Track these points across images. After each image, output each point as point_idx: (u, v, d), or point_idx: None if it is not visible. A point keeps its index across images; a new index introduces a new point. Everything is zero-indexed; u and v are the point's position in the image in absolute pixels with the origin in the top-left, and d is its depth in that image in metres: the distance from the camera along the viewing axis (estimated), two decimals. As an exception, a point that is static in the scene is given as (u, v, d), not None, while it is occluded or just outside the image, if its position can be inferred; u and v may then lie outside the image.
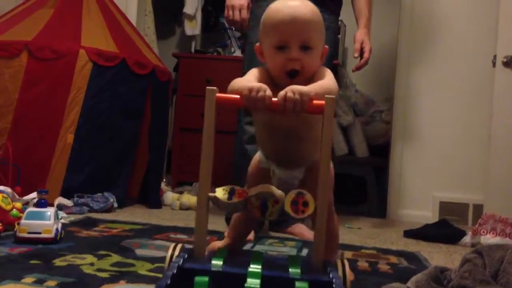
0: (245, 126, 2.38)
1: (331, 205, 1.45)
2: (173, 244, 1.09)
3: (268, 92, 1.10)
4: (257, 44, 1.37)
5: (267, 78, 1.32)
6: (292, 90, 1.09)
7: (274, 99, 1.10)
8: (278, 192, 1.07)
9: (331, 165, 1.40)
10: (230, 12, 2.32)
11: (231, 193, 1.08)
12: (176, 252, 1.06)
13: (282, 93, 1.10)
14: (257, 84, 1.12)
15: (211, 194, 1.08)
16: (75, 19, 2.90)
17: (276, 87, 1.24)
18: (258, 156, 1.42)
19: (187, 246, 1.11)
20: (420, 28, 3.53)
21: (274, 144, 1.34)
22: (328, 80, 1.27)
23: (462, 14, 3.46)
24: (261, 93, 1.10)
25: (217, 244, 1.57)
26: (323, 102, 1.09)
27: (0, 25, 2.88)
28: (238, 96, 1.12)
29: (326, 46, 1.36)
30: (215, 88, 1.09)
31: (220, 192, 1.09)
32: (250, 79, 1.28)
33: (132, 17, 3.64)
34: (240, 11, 2.30)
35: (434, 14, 3.51)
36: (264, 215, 1.07)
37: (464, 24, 3.46)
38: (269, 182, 1.32)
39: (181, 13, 4.48)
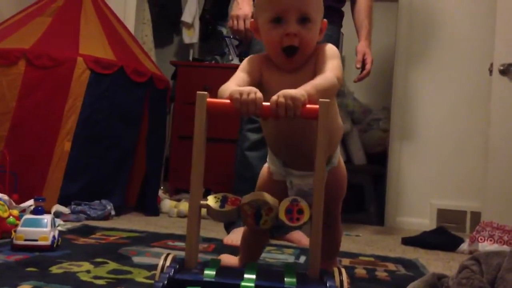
0: (246, 133, 2.37)
1: (338, 216, 1.42)
2: (164, 254, 1.05)
3: (259, 94, 1.04)
4: (252, 19, 1.29)
5: (264, 62, 1.24)
6: (284, 95, 1.03)
7: (266, 103, 1.04)
8: (272, 200, 1.04)
9: (345, 173, 1.38)
10: (235, 22, 2.35)
11: (223, 201, 1.05)
12: (168, 263, 1.01)
13: (274, 98, 1.04)
14: (247, 88, 1.05)
15: (202, 202, 1.04)
16: (73, 27, 2.91)
17: (276, 70, 1.20)
18: (267, 168, 1.35)
19: (180, 256, 1.06)
20: (417, 37, 3.55)
21: (287, 146, 1.27)
22: (327, 74, 1.16)
23: (459, 23, 3.48)
24: (251, 96, 1.03)
25: (229, 261, 1.53)
26: (316, 107, 1.03)
27: (-2, 32, 2.89)
28: (229, 101, 1.06)
29: (325, 20, 1.27)
30: (205, 92, 1.05)
31: (212, 200, 1.05)
32: (239, 79, 1.20)
33: (130, 25, 3.65)
34: (244, 21, 2.32)
35: (431, 23, 3.53)
36: (258, 223, 1.03)
37: (461, 33, 3.47)
38: (285, 195, 1.23)
39: (179, 22, 4.50)
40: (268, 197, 1.04)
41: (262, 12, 1.21)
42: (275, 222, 1.04)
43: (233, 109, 1.05)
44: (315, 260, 1.01)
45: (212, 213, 1.05)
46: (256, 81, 1.21)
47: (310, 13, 1.19)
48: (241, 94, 1.04)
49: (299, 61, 1.22)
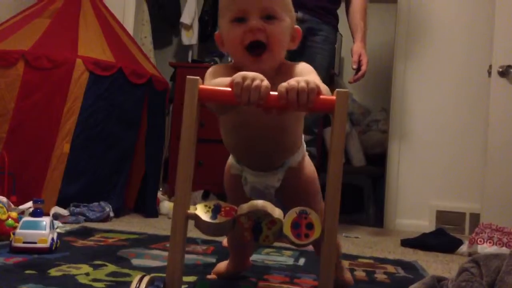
0: None
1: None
2: (138, 276, 0.87)
3: (266, 82, 0.89)
4: (216, 32, 1.17)
5: (231, 72, 1.03)
6: (296, 79, 0.89)
7: (274, 93, 0.89)
8: (276, 212, 0.87)
9: (310, 168, 1.25)
10: None
11: (215, 211, 0.87)
12: (142, 287, 0.84)
13: (283, 84, 0.89)
14: (252, 73, 0.90)
15: (190, 212, 0.87)
16: (72, 29, 2.91)
17: None
18: (229, 160, 1.26)
19: (160, 276, 0.91)
20: (416, 38, 3.55)
21: (244, 145, 1.17)
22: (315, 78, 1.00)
23: (457, 25, 3.48)
24: (256, 82, 0.88)
25: (222, 267, 1.48)
26: (333, 97, 0.87)
27: (-3, 34, 2.88)
28: (228, 89, 0.89)
29: (298, 27, 1.16)
30: (197, 77, 0.90)
31: (202, 209, 0.88)
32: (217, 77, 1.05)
33: (129, 26, 3.65)
34: None
35: (430, 25, 3.53)
36: (258, 239, 0.87)
37: (460, 34, 3.48)
38: (242, 191, 1.19)
39: (178, 23, 4.50)
40: (270, 207, 0.87)
41: (223, 14, 1.11)
42: (279, 238, 0.88)
43: (232, 98, 0.89)
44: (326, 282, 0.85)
45: (201, 226, 0.87)
46: None
47: (275, 9, 1.07)
48: (244, 78, 0.89)
49: (268, 62, 1.08)
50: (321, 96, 0.88)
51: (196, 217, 0.87)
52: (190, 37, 4.48)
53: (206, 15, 4.54)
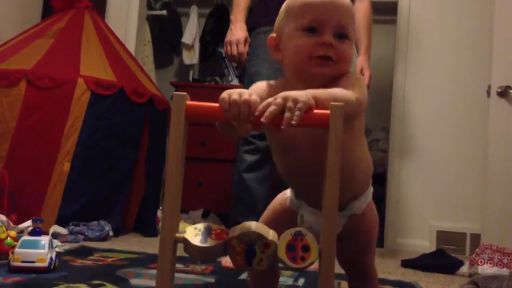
0: (243, 154, 2.38)
1: (371, 265, 1.14)
2: None
3: (254, 96, 0.84)
4: (272, 35, 1.10)
5: (274, 89, 1.03)
6: (285, 96, 0.84)
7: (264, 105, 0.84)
8: (270, 233, 0.82)
9: (375, 218, 1.13)
10: (228, 48, 2.39)
11: (205, 234, 0.82)
12: None
13: (269, 99, 0.84)
14: (239, 89, 0.87)
15: (178, 235, 0.82)
16: (74, 49, 2.93)
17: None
18: (288, 193, 1.14)
19: None
20: (416, 58, 3.57)
21: (293, 173, 1.06)
22: (350, 90, 0.96)
23: (456, 45, 3.51)
24: (244, 96, 0.83)
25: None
26: (327, 112, 0.82)
27: (0, 53, 2.91)
28: (217, 104, 0.85)
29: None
30: (184, 93, 0.86)
31: (191, 233, 0.82)
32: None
33: (131, 46, 3.68)
34: (237, 45, 2.35)
35: (429, 45, 3.56)
36: (251, 263, 0.81)
37: (459, 55, 3.50)
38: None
39: (180, 43, 4.54)
40: (263, 229, 0.82)
41: (292, 19, 1.04)
42: (273, 262, 0.82)
43: (221, 114, 0.85)
44: None
45: (191, 250, 0.82)
46: None
47: (348, 28, 1.03)
48: (230, 94, 0.84)
49: (332, 70, 1.02)
50: (314, 111, 0.83)
51: (185, 241, 0.82)
52: (191, 57, 4.52)
53: (207, 35, 4.57)
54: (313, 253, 0.80)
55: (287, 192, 1.14)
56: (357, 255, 1.12)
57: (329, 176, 0.81)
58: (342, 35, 1.02)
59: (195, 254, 0.82)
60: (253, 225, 0.82)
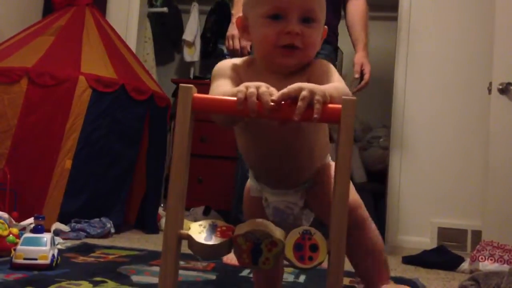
0: None
1: (359, 208, 1.09)
2: None
3: (272, 88, 0.82)
4: (239, 15, 1.07)
5: (243, 68, 1.03)
6: (300, 86, 0.81)
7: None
8: (277, 232, 0.79)
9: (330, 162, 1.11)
10: (230, 42, 2.38)
11: (210, 231, 0.80)
12: None
13: (284, 90, 0.81)
14: (254, 82, 0.83)
15: (182, 232, 0.80)
16: (75, 46, 2.94)
17: (260, 77, 0.94)
18: (248, 182, 1.17)
19: None
20: (417, 55, 3.57)
21: (261, 159, 1.07)
22: (339, 83, 0.96)
23: (458, 41, 3.50)
24: (262, 89, 0.81)
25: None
26: (338, 106, 0.80)
27: (1, 51, 2.91)
28: (231, 98, 0.82)
29: (325, 27, 1.08)
30: (191, 85, 0.82)
31: (196, 229, 0.80)
32: (226, 86, 0.97)
33: (132, 43, 3.68)
34: (239, 40, 2.34)
35: (430, 42, 3.55)
36: (256, 262, 0.78)
37: (460, 51, 3.49)
38: (263, 215, 1.09)
39: (181, 40, 4.54)
40: (270, 227, 0.80)
41: (256, 6, 1.01)
42: (280, 261, 0.81)
43: (232, 108, 0.81)
44: None
45: (195, 247, 0.79)
46: None
47: (315, 11, 1.00)
48: (247, 87, 0.81)
49: (297, 63, 1.01)
50: (328, 106, 0.81)
51: (189, 238, 0.80)
52: (192, 54, 4.52)
53: (208, 33, 4.57)
54: (322, 253, 0.78)
55: (248, 184, 1.15)
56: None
57: (339, 173, 0.79)
58: (309, 19, 0.99)
59: (199, 251, 0.80)
60: (259, 222, 0.79)
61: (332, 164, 1.11)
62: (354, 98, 0.81)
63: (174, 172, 0.80)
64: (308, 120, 0.80)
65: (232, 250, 0.82)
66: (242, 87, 0.81)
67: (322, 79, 0.98)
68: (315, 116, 0.79)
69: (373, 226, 1.10)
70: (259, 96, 0.80)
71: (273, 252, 0.78)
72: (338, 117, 0.79)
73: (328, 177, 1.07)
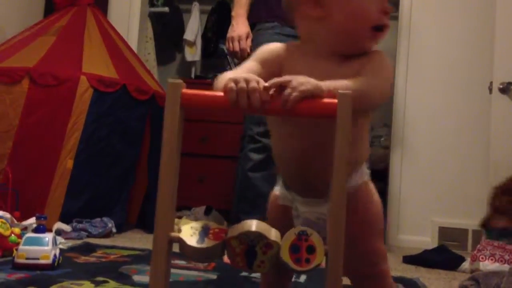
0: (249, 153, 2.36)
1: (386, 276, 1.01)
2: None
3: (262, 82, 0.79)
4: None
5: (289, 51, 0.94)
6: (296, 79, 0.78)
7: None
8: (273, 233, 0.76)
9: (375, 198, 1.05)
10: (231, 44, 2.38)
11: (203, 234, 0.76)
12: None
13: (275, 81, 0.79)
14: (244, 74, 0.80)
15: (173, 235, 0.76)
16: (77, 46, 2.94)
17: (308, 58, 0.89)
18: (277, 189, 1.08)
19: None
20: (418, 55, 3.57)
21: (293, 163, 0.98)
22: (371, 78, 0.87)
23: (458, 41, 3.51)
24: (252, 84, 0.78)
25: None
26: (334, 101, 0.76)
27: (2, 51, 2.92)
28: (220, 94, 0.79)
29: None
30: (180, 81, 0.80)
31: (187, 232, 0.77)
32: (247, 68, 0.92)
33: (133, 43, 3.69)
34: (239, 41, 2.35)
35: (431, 42, 3.55)
36: (251, 266, 0.75)
37: (461, 51, 3.49)
38: (291, 224, 1.00)
39: (182, 40, 4.55)
40: (265, 228, 0.76)
41: None
42: (275, 264, 0.76)
43: (223, 103, 0.79)
44: None
45: (187, 250, 0.76)
46: (271, 75, 0.88)
47: None
48: (236, 82, 0.78)
49: (351, 58, 0.93)
50: (323, 100, 0.78)
51: (180, 241, 0.76)
52: (193, 54, 4.52)
53: (209, 32, 4.58)
54: (319, 255, 0.74)
55: (276, 190, 1.08)
56: (356, 241, 0.95)
57: (336, 172, 0.76)
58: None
59: (190, 254, 0.76)
60: (253, 224, 0.75)
61: (371, 185, 1.06)
62: (350, 92, 0.77)
63: (163, 172, 0.75)
64: (298, 115, 0.78)
65: (226, 253, 0.79)
66: (231, 83, 0.78)
67: (372, 71, 0.91)
68: (286, 105, 0.76)
69: (389, 281, 1.02)
70: (248, 93, 0.77)
71: (268, 254, 0.74)
72: (333, 112, 0.75)
73: (360, 197, 1.02)
